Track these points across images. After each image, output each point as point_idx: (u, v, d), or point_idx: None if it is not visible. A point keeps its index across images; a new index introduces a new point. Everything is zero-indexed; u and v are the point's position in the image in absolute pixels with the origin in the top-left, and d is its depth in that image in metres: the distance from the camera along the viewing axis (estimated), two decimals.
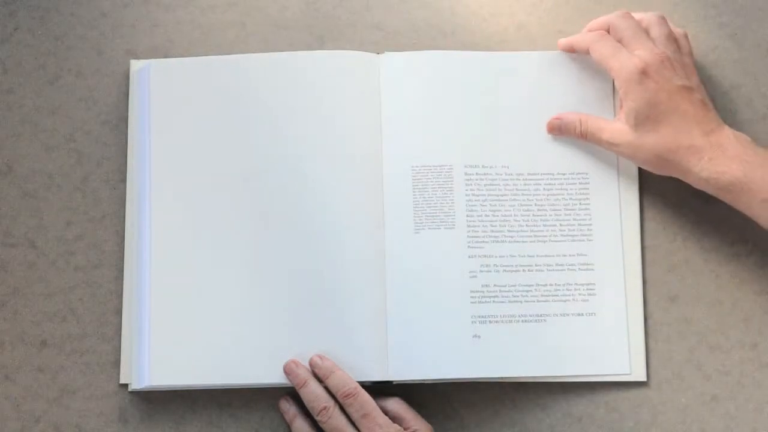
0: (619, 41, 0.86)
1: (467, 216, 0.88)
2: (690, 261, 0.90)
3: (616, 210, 0.89)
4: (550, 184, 0.89)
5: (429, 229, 0.88)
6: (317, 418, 0.83)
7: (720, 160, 0.82)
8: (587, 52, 0.88)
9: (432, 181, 0.88)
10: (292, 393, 0.86)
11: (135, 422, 0.88)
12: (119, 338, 0.88)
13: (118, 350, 0.88)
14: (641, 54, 0.84)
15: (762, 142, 0.91)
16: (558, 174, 0.89)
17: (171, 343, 0.86)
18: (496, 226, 0.88)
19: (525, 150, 0.89)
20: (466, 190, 0.88)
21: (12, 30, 0.92)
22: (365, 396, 0.83)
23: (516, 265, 0.88)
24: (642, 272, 0.89)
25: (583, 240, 0.88)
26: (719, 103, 0.91)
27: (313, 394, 0.84)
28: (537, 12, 0.93)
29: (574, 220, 0.89)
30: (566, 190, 0.89)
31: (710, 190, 0.84)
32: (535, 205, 0.89)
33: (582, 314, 0.87)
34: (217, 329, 0.86)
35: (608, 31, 0.88)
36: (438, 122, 0.89)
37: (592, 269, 0.88)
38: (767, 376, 0.88)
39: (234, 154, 0.88)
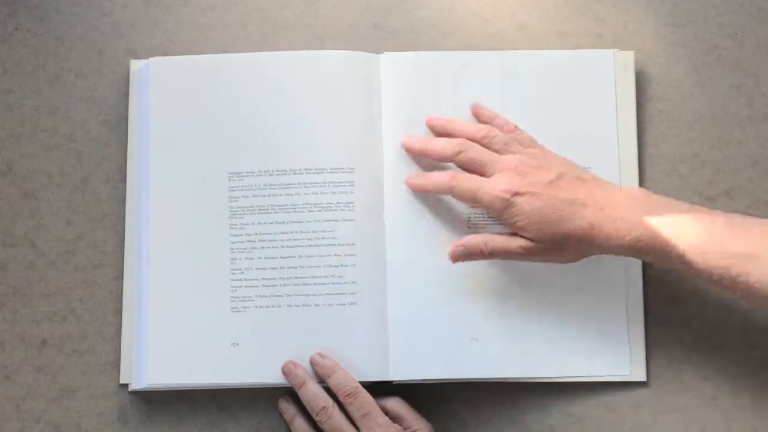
0: (470, 163, 0.84)
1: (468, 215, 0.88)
2: None
3: None
4: None
5: (429, 228, 0.87)
6: (316, 418, 0.83)
7: (623, 223, 0.79)
8: (444, 191, 0.85)
9: None
10: (291, 393, 0.86)
11: (135, 422, 0.88)
12: (119, 338, 0.88)
13: (118, 350, 0.88)
14: (499, 177, 0.82)
15: (762, 142, 0.91)
16: None
17: (170, 343, 0.86)
18: (498, 226, 0.88)
19: None
20: None
21: (12, 30, 0.92)
22: (366, 395, 0.83)
23: (518, 268, 0.87)
24: (642, 272, 0.89)
25: None
26: (719, 102, 0.91)
27: (312, 394, 0.84)
28: (537, 12, 0.93)
29: None
30: None
31: (636, 256, 0.81)
32: None
33: (582, 314, 0.87)
34: (217, 329, 0.86)
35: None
36: None
37: (594, 271, 0.88)
38: (767, 376, 0.88)
39: (233, 153, 0.88)
